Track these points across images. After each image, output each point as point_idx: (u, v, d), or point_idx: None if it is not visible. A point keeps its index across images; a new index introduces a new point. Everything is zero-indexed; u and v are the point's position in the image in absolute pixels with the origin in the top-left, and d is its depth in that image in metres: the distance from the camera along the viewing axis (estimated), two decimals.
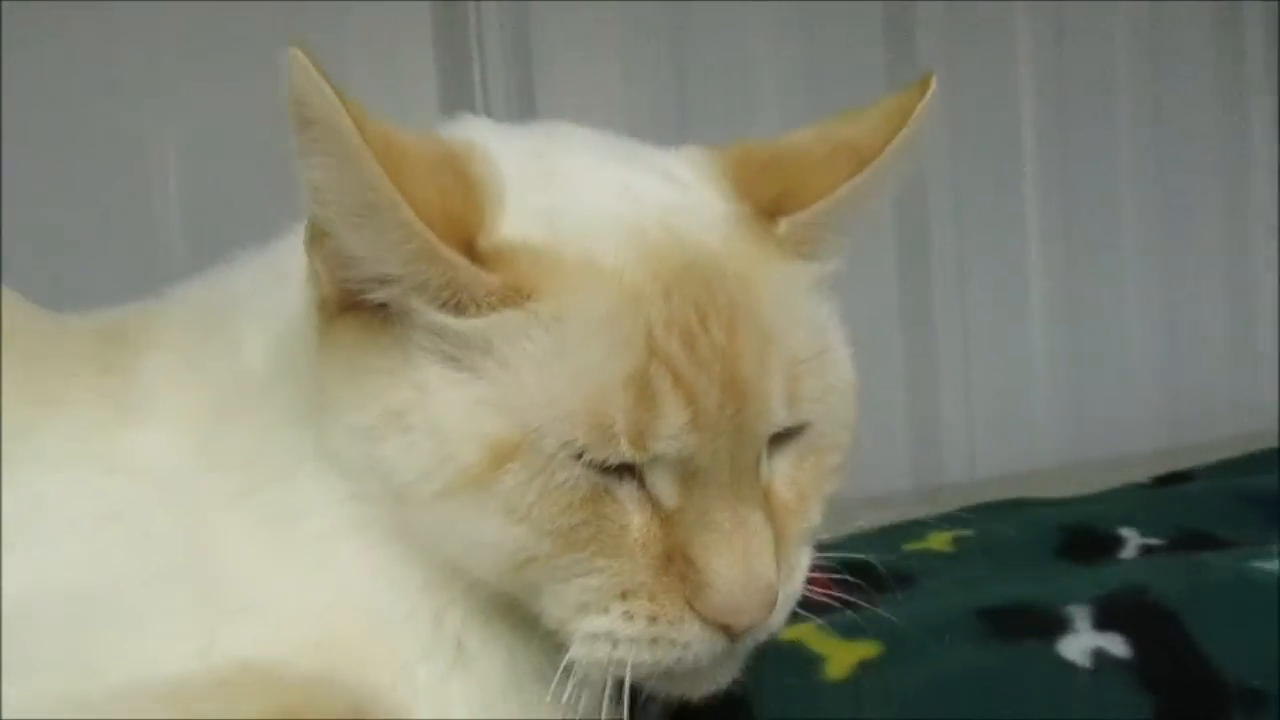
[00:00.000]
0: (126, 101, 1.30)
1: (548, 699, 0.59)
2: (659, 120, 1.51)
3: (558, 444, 0.55)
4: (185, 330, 0.66)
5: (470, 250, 0.56)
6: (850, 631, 0.76)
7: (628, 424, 0.55)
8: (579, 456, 0.55)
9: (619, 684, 0.59)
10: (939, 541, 1.07)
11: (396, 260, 0.56)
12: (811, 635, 0.76)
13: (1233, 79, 1.94)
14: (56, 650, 0.56)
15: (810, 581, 0.63)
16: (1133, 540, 1.04)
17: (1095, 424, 1.82)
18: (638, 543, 0.57)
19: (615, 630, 0.57)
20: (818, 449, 0.62)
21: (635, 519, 0.57)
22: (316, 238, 0.58)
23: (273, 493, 0.61)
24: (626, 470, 0.56)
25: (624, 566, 0.57)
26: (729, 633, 0.57)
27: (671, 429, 0.55)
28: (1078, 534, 1.06)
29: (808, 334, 0.61)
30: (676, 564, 0.57)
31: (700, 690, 0.61)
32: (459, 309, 0.56)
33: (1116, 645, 0.74)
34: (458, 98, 1.42)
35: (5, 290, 0.67)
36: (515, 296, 0.56)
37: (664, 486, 0.57)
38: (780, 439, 0.60)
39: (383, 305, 0.58)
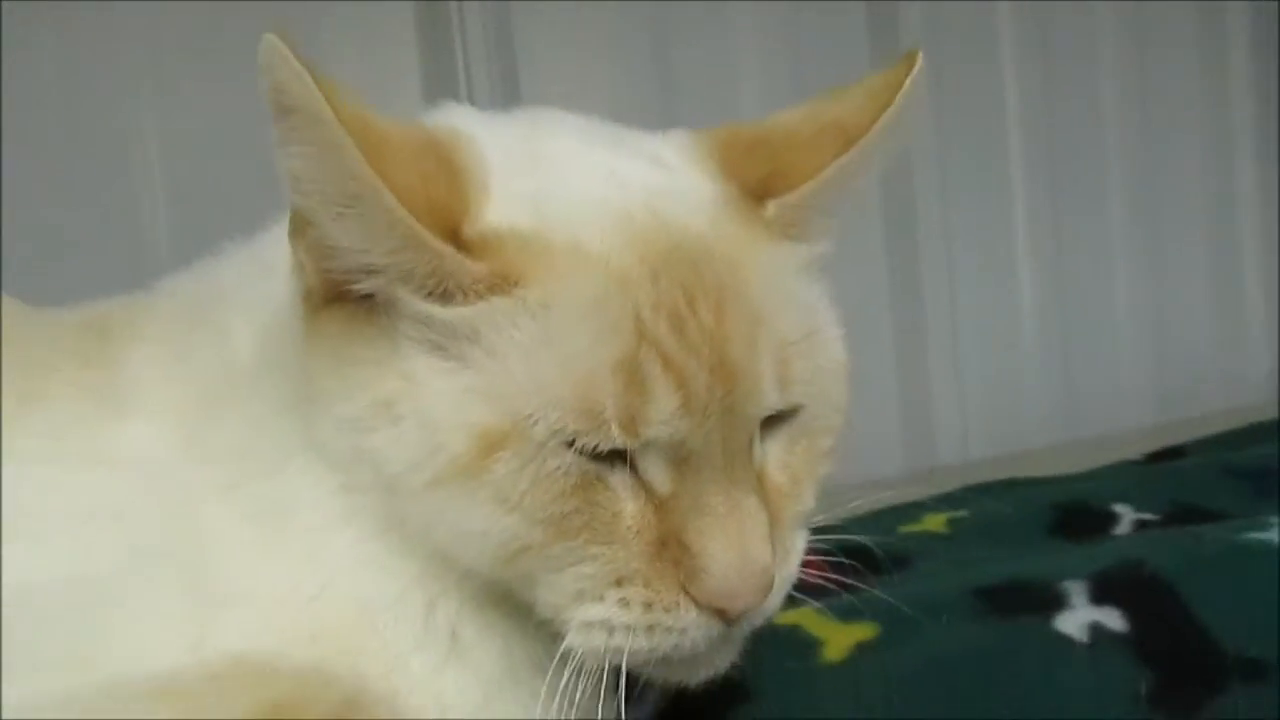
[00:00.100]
0: (126, 101, 1.30)
1: (543, 688, 0.59)
2: (643, 110, 1.51)
3: (548, 431, 0.55)
4: (171, 322, 0.65)
5: (455, 238, 0.55)
6: (847, 614, 0.76)
7: (618, 409, 0.54)
8: (570, 444, 0.55)
9: (616, 672, 0.59)
10: (934, 523, 1.08)
11: (381, 249, 0.55)
12: (809, 619, 0.76)
13: (1216, 54, 1.95)
14: (45, 647, 0.55)
15: (805, 565, 0.63)
16: (1127, 516, 1.04)
17: (1085, 402, 1.83)
18: (631, 529, 0.56)
19: (611, 618, 0.57)
20: (810, 432, 0.62)
21: (628, 505, 0.56)
22: (299, 228, 0.57)
23: (262, 485, 0.60)
24: (618, 457, 0.56)
25: (618, 553, 0.56)
26: (725, 617, 0.57)
27: (662, 413, 0.55)
28: (1072, 512, 1.07)
29: (797, 316, 0.61)
30: (671, 550, 0.56)
31: (698, 676, 0.61)
32: (445, 297, 0.56)
33: (1113, 619, 0.74)
34: (441, 93, 1.41)
35: None
36: (502, 284, 0.56)
37: (656, 472, 0.56)
38: (772, 422, 0.60)
39: (369, 295, 0.57)
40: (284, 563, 0.59)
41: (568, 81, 1.50)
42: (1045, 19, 1.80)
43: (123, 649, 0.56)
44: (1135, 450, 1.36)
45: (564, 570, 0.57)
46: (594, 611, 0.57)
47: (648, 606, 0.56)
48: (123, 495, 0.59)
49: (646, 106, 1.52)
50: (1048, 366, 1.83)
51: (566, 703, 0.58)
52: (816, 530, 0.65)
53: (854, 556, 0.71)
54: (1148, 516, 1.04)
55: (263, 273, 0.64)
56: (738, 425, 0.57)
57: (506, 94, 1.45)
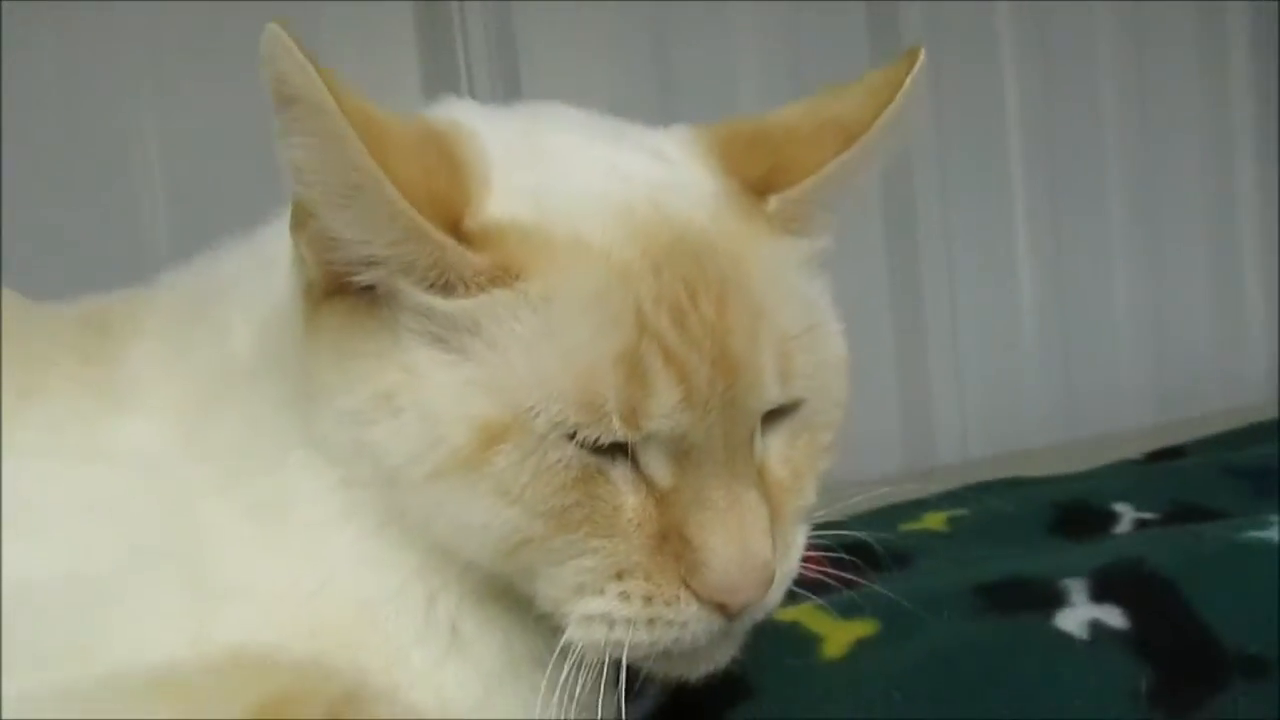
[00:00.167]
0: (126, 101, 1.30)
1: (544, 683, 0.59)
2: (643, 110, 1.50)
3: (549, 424, 0.55)
4: (171, 317, 0.65)
5: (457, 230, 0.55)
6: (847, 610, 0.76)
7: (619, 402, 0.54)
8: (571, 436, 0.55)
9: (616, 666, 0.59)
10: (934, 521, 1.07)
11: (382, 241, 0.55)
12: (809, 615, 0.76)
13: (1216, 54, 1.95)
14: (45, 642, 0.55)
15: (805, 560, 0.63)
16: (1127, 515, 1.04)
17: (1085, 402, 1.83)
18: (632, 523, 0.56)
19: (612, 611, 0.57)
20: (811, 426, 0.62)
21: (629, 499, 0.56)
22: (301, 220, 0.57)
23: (262, 481, 0.60)
24: (619, 450, 0.56)
25: (619, 547, 0.56)
26: (726, 611, 0.57)
27: (664, 407, 0.55)
28: (1072, 510, 1.07)
29: (798, 310, 0.61)
30: (672, 543, 0.56)
31: (698, 670, 0.60)
32: (446, 290, 0.56)
33: (1114, 617, 0.74)
34: (442, 93, 1.41)
35: None
36: (503, 276, 0.55)
37: (657, 466, 0.56)
38: (773, 417, 0.60)
39: (369, 288, 0.57)
40: (284, 558, 0.59)
41: (568, 81, 1.50)
42: (1045, 19, 1.81)
43: (122, 644, 0.56)
44: (1135, 450, 1.36)
45: (564, 563, 0.57)
46: (594, 605, 0.57)
47: (648, 600, 0.56)
48: (122, 490, 0.59)
49: (646, 106, 1.51)
50: (1047, 366, 1.83)
51: (567, 697, 0.58)
52: (817, 526, 0.65)
53: (854, 553, 0.71)
54: (1148, 515, 1.03)
55: (262, 267, 0.64)
56: (739, 419, 0.57)
57: (507, 94, 1.46)
